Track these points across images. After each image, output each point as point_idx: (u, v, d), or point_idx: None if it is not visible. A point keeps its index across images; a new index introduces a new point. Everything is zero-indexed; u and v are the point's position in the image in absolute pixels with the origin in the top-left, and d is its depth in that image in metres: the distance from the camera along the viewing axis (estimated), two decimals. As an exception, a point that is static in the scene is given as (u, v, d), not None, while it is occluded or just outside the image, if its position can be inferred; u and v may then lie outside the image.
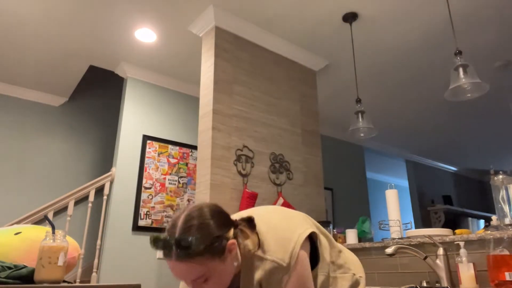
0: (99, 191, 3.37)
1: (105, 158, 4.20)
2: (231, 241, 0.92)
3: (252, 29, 2.94)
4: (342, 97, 4.13)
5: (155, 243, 0.88)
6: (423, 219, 6.03)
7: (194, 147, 3.80)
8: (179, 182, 3.62)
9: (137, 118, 3.55)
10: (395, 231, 2.16)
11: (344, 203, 4.93)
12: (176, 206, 3.53)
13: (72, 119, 4.15)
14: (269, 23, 2.92)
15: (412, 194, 6.27)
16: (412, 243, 1.94)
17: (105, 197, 3.29)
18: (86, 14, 2.83)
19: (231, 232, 0.94)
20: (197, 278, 0.88)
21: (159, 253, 3.32)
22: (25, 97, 3.94)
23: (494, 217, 1.81)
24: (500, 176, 1.79)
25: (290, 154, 2.96)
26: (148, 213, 3.35)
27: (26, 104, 3.94)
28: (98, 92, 4.39)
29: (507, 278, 1.48)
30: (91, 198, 3.26)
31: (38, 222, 3.03)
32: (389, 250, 1.69)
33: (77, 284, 1.35)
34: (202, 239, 0.87)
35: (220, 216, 0.94)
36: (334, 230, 2.64)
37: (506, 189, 1.76)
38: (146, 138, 3.54)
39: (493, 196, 1.80)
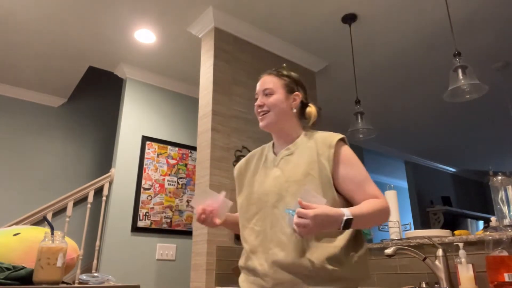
0: (98, 192, 3.37)
1: (104, 159, 4.19)
2: (298, 93, 1.31)
3: (252, 30, 2.95)
4: (341, 98, 4.13)
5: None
6: (422, 220, 6.02)
7: (194, 148, 3.80)
8: (178, 183, 3.62)
9: (136, 119, 3.55)
10: (394, 232, 2.16)
11: (343, 204, 4.92)
12: (175, 207, 3.53)
13: (71, 120, 4.15)
14: (268, 24, 2.93)
15: (411, 195, 6.27)
16: (411, 244, 1.94)
17: (104, 198, 3.28)
18: (86, 15, 2.83)
19: (302, 92, 1.32)
20: (266, 89, 1.28)
21: (158, 254, 3.32)
22: (24, 98, 3.94)
23: (493, 218, 1.81)
24: (499, 177, 1.79)
25: (290, 155, 2.95)
26: (147, 214, 3.35)
27: (25, 105, 3.94)
28: (97, 93, 4.39)
29: (506, 279, 1.48)
30: (90, 199, 3.26)
31: (37, 223, 3.02)
32: (388, 251, 1.69)
33: (76, 285, 1.35)
34: (287, 70, 1.33)
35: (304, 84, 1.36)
36: (333, 231, 2.63)
37: (505, 190, 1.76)
38: (145, 139, 3.53)
39: (492, 197, 1.80)
